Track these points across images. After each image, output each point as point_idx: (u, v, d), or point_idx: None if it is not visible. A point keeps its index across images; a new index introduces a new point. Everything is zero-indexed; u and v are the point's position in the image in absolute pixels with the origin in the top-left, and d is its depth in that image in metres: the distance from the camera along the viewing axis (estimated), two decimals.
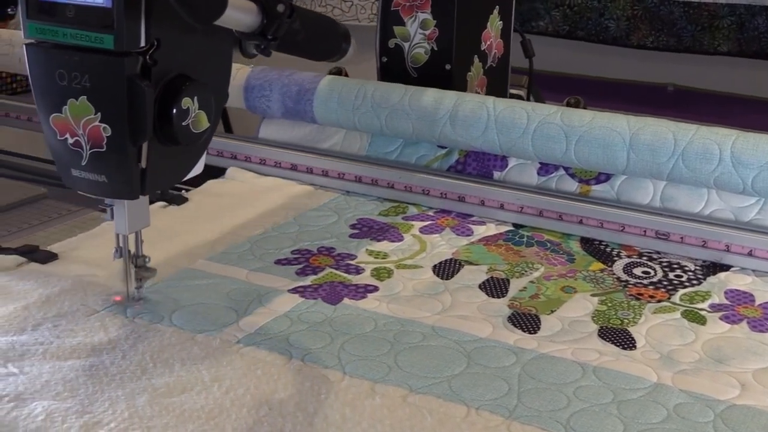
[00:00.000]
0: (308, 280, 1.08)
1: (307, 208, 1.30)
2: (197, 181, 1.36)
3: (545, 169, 1.28)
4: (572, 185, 1.27)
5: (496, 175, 1.31)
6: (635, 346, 0.95)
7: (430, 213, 1.29)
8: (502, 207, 1.26)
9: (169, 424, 0.79)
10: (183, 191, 1.32)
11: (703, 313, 1.02)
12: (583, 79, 2.88)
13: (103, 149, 0.85)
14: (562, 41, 2.95)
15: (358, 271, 1.11)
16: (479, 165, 1.32)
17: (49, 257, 1.11)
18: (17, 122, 1.65)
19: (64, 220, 1.29)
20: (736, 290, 1.08)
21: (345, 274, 1.09)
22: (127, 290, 1.00)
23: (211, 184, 1.37)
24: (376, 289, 1.06)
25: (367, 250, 1.17)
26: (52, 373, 0.87)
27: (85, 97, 0.84)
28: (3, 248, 1.11)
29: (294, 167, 1.40)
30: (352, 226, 1.24)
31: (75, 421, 0.79)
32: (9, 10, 0.96)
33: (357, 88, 1.37)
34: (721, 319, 1.01)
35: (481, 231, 1.23)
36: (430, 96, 1.32)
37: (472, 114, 1.28)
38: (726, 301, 1.05)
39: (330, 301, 1.03)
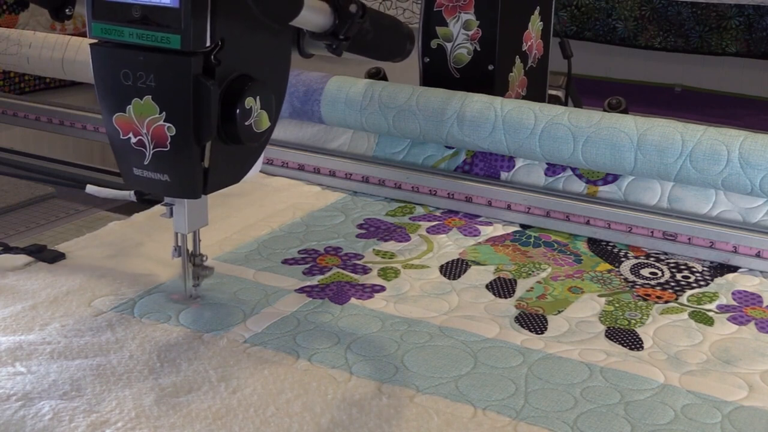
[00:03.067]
0: (315, 280, 1.08)
1: (315, 208, 1.30)
2: None
3: (552, 169, 1.28)
4: (579, 186, 1.26)
5: (504, 175, 1.31)
6: (642, 347, 0.95)
7: (438, 213, 1.29)
8: (509, 207, 1.26)
9: (176, 423, 0.80)
10: None
11: (710, 314, 1.02)
12: (590, 79, 2.88)
13: (167, 148, 0.85)
14: (569, 42, 2.94)
15: (365, 271, 1.11)
16: (486, 165, 1.32)
17: (57, 257, 1.11)
18: (25, 121, 1.66)
19: (72, 219, 1.30)
20: (744, 291, 1.08)
21: (352, 274, 1.09)
22: (185, 288, 1.01)
23: None
24: (383, 289, 1.06)
25: (374, 250, 1.17)
26: (59, 373, 0.87)
27: (150, 96, 0.84)
28: (11, 247, 1.12)
29: (301, 167, 1.41)
30: (360, 226, 1.24)
31: (82, 421, 0.80)
32: (67, 10, 0.96)
33: (364, 89, 1.37)
34: (728, 320, 1.01)
35: (488, 231, 1.23)
36: (437, 96, 1.32)
37: (480, 114, 1.28)
38: (734, 303, 1.05)
39: (337, 301, 1.03)
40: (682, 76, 2.86)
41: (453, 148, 1.35)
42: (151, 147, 0.86)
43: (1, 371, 0.87)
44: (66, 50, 1.59)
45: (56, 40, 1.61)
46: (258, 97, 0.88)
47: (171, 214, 0.96)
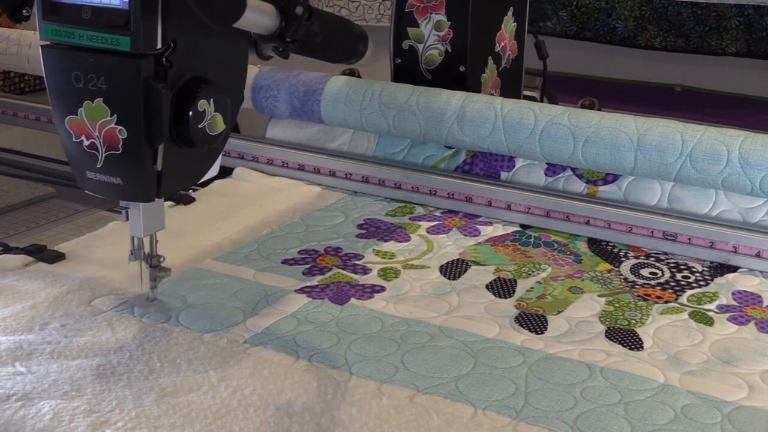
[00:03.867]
0: (315, 280, 1.08)
1: (315, 208, 1.30)
2: (204, 181, 1.36)
3: (552, 169, 1.28)
4: (580, 186, 1.26)
5: (504, 175, 1.31)
6: (642, 347, 0.95)
7: (438, 213, 1.29)
8: (509, 207, 1.26)
9: (176, 423, 0.80)
10: (190, 191, 1.32)
11: (710, 314, 1.02)
12: (590, 79, 2.88)
13: (119, 151, 0.84)
14: (569, 42, 2.95)
15: (365, 271, 1.11)
16: (486, 165, 1.32)
17: (57, 257, 1.11)
18: (25, 121, 1.66)
19: (72, 219, 1.30)
20: (744, 291, 1.08)
21: (352, 275, 1.09)
22: (142, 290, 1.00)
23: (218, 184, 1.37)
24: (383, 289, 1.06)
25: (374, 250, 1.17)
26: (59, 373, 0.87)
27: (101, 99, 0.84)
28: (11, 247, 1.12)
29: (301, 167, 1.41)
30: (360, 227, 1.24)
31: (82, 421, 0.80)
32: (24, 11, 0.97)
33: (364, 89, 1.37)
34: (728, 320, 1.01)
35: (488, 231, 1.23)
36: (437, 96, 1.32)
37: (480, 114, 1.28)
38: (734, 303, 1.05)
39: (337, 301, 1.03)
40: (682, 76, 2.86)
41: (453, 148, 1.35)
42: (104, 150, 0.85)
43: (1, 371, 0.87)
44: None
45: None
46: (212, 99, 0.86)
47: (127, 218, 0.95)
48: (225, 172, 1.40)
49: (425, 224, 1.25)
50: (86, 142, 0.86)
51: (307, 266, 1.11)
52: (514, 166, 1.31)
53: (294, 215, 1.27)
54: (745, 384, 0.88)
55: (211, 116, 0.87)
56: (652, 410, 0.83)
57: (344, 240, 1.19)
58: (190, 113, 0.85)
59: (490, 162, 1.32)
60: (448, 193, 1.30)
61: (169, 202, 1.27)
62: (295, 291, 1.05)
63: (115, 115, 0.83)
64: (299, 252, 1.16)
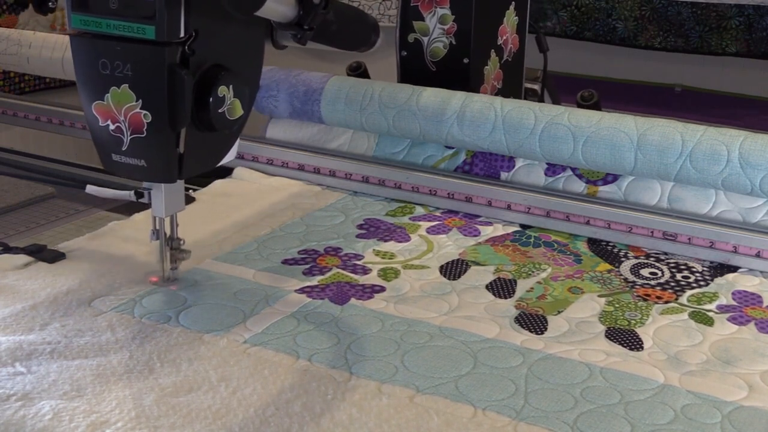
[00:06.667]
0: (315, 281, 1.08)
1: (315, 208, 1.30)
2: (204, 181, 1.36)
3: (552, 169, 1.28)
4: (579, 186, 1.26)
5: (504, 175, 1.31)
6: (642, 347, 0.95)
7: (437, 213, 1.29)
8: (509, 207, 1.26)
9: (176, 423, 0.80)
10: (190, 191, 1.32)
11: (710, 314, 1.02)
12: (590, 79, 2.88)
13: (143, 135, 0.88)
14: (569, 42, 2.95)
15: (365, 271, 1.11)
16: (486, 165, 1.32)
17: (57, 257, 1.11)
18: (25, 121, 1.66)
19: (72, 219, 1.30)
20: (744, 291, 1.08)
21: (352, 275, 1.09)
22: (163, 271, 1.04)
23: (218, 184, 1.37)
24: (383, 289, 1.06)
25: (374, 250, 1.17)
26: (59, 373, 0.87)
27: (127, 85, 0.87)
28: (11, 247, 1.12)
29: (301, 167, 1.41)
30: (359, 227, 1.24)
31: (82, 421, 0.80)
32: (50, 3, 0.99)
33: (364, 89, 1.37)
34: (728, 320, 1.01)
35: (488, 231, 1.23)
36: (437, 96, 1.32)
37: (480, 114, 1.28)
38: (734, 303, 1.05)
39: (337, 301, 1.03)
40: (682, 76, 2.86)
41: (453, 148, 1.35)
42: (129, 133, 0.89)
43: (1, 371, 0.87)
44: (66, 50, 1.59)
45: (56, 40, 1.61)
46: (231, 86, 0.91)
47: (149, 199, 1.00)
48: (225, 172, 1.40)
49: (425, 224, 1.25)
50: (112, 126, 0.90)
51: (307, 266, 1.11)
52: (514, 166, 1.31)
53: (294, 215, 1.27)
54: (744, 384, 0.88)
55: (230, 102, 0.91)
56: (652, 410, 0.84)
57: (344, 240, 1.19)
58: (211, 99, 0.89)
59: (490, 162, 1.32)
60: (448, 193, 1.30)
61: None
62: (295, 291, 1.05)
63: (140, 101, 0.87)
64: (299, 252, 1.16)
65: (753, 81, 2.76)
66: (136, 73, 0.87)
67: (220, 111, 0.90)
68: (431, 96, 1.32)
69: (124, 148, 0.90)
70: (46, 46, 1.61)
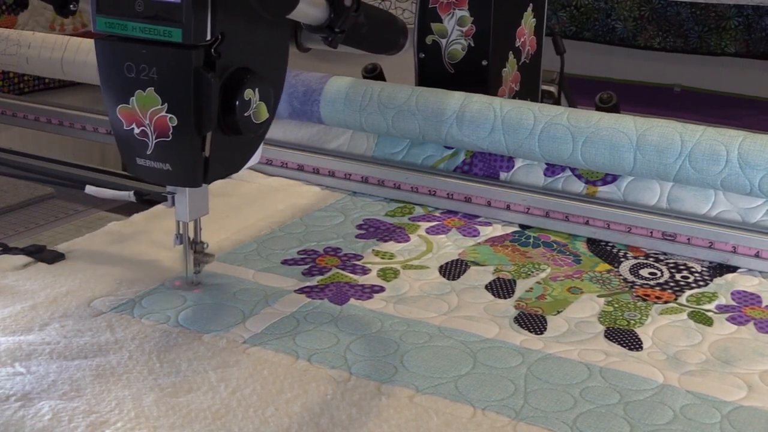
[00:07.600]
0: (315, 281, 1.08)
1: (314, 208, 1.30)
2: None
3: (552, 170, 1.28)
4: (579, 186, 1.26)
5: (503, 175, 1.31)
6: (642, 347, 0.95)
7: (437, 214, 1.29)
8: (508, 208, 1.26)
9: (176, 423, 0.80)
10: None
11: (709, 314, 1.02)
12: (589, 79, 2.88)
13: (169, 138, 0.88)
14: (568, 42, 2.93)
15: (365, 271, 1.11)
16: (486, 166, 1.32)
17: (56, 257, 1.11)
18: (25, 122, 1.66)
19: (72, 219, 1.30)
20: (743, 291, 1.08)
21: (351, 275, 1.09)
22: (186, 275, 1.04)
23: (217, 185, 1.36)
24: (382, 289, 1.06)
25: (373, 250, 1.17)
26: (58, 373, 0.87)
27: (153, 88, 0.87)
28: (10, 248, 1.12)
29: (301, 168, 1.41)
30: (359, 227, 1.24)
31: (81, 421, 0.80)
32: (71, 5, 0.98)
33: (363, 89, 1.37)
34: (727, 320, 1.01)
35: (487, 232, 1.23)
36: (436, 96, 1.32)
37: (479, 114, 1.28)
38: (733, 303, 1.05)
39: (336, 301, 1.03)
40: (681, 76, 2.86)
41: (452, 148, 1.35)
42: (154, 137, 0.88)
43: (1, 371, 0.87)
44: (65, 50, 1.59)
45: (55, 41, 1.61)
46: (257, 89, 0.90)
47: (173, 203, 0.98)
48: None
49: (424, 224, 1.25)
50: (137, 130, 0.89)
51: (307, 266, 1.11)
52: (513, 167, 1.31)
53: (293, 215, 1.27)
54: (744, 384, 0.88)
55: (256, 105, 0.90)
56: (651, 410, 0.84)
57: (344, 240, 1.20)
58: (237, 102, 0.88)
59: (490, 162, 1.32)
60: (448, 194, 1.30)
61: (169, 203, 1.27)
62: (295, 291, 1.05)
63: (165, 104, 0.87)
64: (299, 252, 1.16)
65: (752, 81, 2.76)
66: (162, 76, 0.86)
67: (246, 114, 0.89)
68: (430, 96, 1.32)
69: (149, 152, 0.89)
70: (45, 46, 1.61)
